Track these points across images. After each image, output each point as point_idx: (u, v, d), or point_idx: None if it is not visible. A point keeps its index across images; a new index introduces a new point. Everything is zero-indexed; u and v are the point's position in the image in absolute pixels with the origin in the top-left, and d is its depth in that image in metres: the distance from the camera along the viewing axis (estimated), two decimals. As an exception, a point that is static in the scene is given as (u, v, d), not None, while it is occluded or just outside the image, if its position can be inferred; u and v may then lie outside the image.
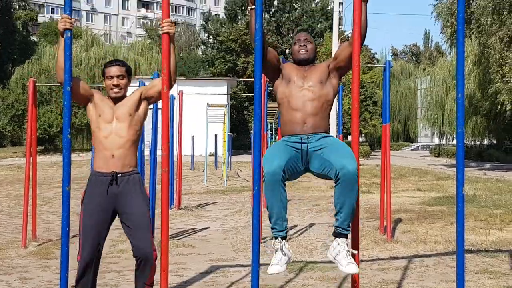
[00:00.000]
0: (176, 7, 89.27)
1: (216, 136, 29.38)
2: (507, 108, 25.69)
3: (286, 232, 4.77)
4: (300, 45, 5.28)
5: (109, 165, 5.22)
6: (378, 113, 47.35)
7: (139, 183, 5.28)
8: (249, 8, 4.77)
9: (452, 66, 36.92)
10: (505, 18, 24.27)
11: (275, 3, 56.55)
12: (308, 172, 5.00)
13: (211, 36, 57.50)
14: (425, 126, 45.99)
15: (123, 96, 5.37)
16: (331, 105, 5.18)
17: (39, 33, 66.08)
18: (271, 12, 56.34)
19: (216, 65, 53.03)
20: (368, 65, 34.28)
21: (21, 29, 56.50)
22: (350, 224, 4.79)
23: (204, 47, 61.57)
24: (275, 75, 5.22)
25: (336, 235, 4.77)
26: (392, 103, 54.54)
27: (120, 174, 5.21)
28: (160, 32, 4.77)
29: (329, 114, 5.16)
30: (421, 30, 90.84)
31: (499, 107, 26.85)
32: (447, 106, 38.26)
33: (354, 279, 4.78)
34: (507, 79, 24.42)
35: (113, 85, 5.31)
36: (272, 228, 4.71)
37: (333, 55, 5.51)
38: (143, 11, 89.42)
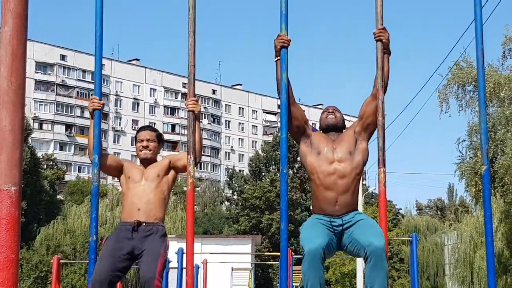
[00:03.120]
0: (200, 163, 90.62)
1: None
2: (539, 269, 25.08)
3: None
4: (329, 112, 5.39)
5: (133, 216, 5.33)
6: (405, 270, 46.50)
7: (162, 234, 5.39)
8: (275, 59, 4.99)
9: (479, 223, 36.52)
10: (529, 177, 24.20)
11: (299, 159, 57.13)
12: (340, 250, 5.12)
13: (235, 193, 57.85)
14: (454, 284, 44.90)
15: (153, 161, 5.61)
16: (361, 175, 5.21)
17: (65, 191, 66.83)
18: (294, 169, 56.83)
19: (240, 222, 52.97)
20: (394, 238, 34.18)
21: (48, 188, 57.23)
22: None
23: (229, 203, 61.84)
24: (300, 134, 5.28)
25: None
26: (420, 259, 53.62)
27: (144, 224, 5.31)
28: (187, 110, 5.13)
29: (358, 185, 5.20)
30: (445, 184, 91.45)
31: (529, 267, 26.24)
32: (476, 264, 37.45)
33: None
34: (536, 239, 24.01)
35: (142, 146, 5.57)
36: None
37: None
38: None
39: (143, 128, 5.79)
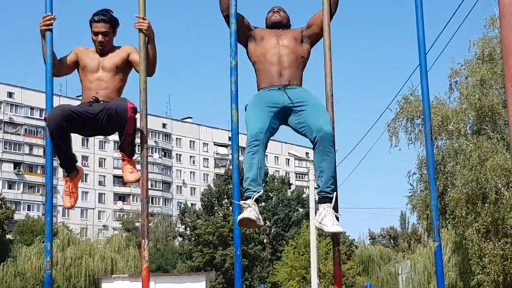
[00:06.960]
0: (152, 198, 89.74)
1: None
2: (493, 301, 25.23)
3: (258, 195, 4.91)
4: (274, 12, 5.53)
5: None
6: (360, 302, 46.53)
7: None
8: None
9: (432, 253, 36.71)
10: (479, 209, 24.38)
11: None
12: (286, 125, 5.25)
13: (188, 228, 57.34)
14: (410, 316, 45.10)
15: (110, 49, 5.64)
16: (305, 64, 5.38)
17: (14, 231, 65.37)
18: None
19: (194, 258, 52.41)
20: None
21: (-4, 229, 56.04)
22: (333, 188, 4.94)
23: (181, 239, 61.22)
24: (246, 37, 5.41)
25: (321, 200, 4.94)
26: (374, 290, 53.72)
27: (102, 102, 5.39)
28: (136, 28, 5.26)
29: (303, 70, 5.32)
30: (397, 212, 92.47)
31: (483, 300, 26.38)
32: (430, 295, 37.73)
33: None
34: (488, 270, 24.16)
35: (98, 41, 5.57)
36: (246, 189, 4.87)
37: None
38: (119, 203, 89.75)
39: (98, 19, 5.64)
